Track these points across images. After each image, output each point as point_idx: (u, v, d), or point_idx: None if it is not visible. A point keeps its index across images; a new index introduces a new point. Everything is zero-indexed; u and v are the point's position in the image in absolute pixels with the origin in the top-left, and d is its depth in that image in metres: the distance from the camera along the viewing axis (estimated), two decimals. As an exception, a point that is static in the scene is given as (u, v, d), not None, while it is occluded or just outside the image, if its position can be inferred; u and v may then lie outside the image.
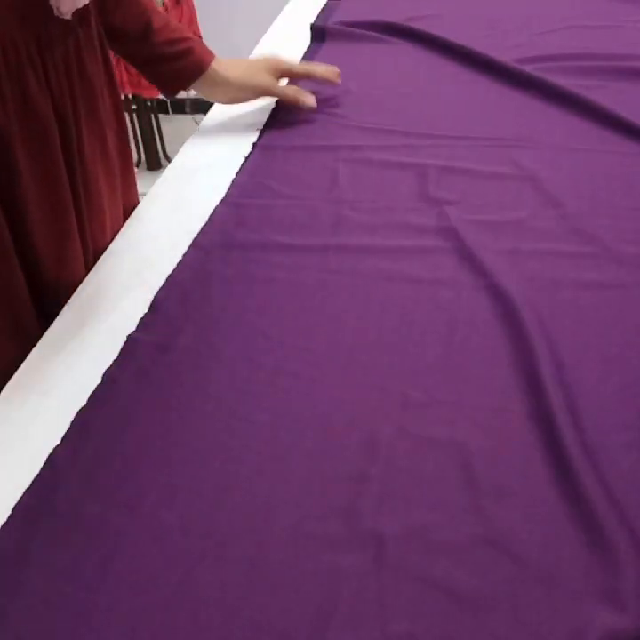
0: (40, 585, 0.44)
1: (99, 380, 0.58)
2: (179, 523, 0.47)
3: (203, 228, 0.74)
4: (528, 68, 1.01)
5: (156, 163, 2.49)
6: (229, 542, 0.46)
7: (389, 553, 0.44)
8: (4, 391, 0.59)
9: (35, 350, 0.63)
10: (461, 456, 0.50)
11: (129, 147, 0.85)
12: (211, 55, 0.88)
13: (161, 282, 0.68)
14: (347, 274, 0.67)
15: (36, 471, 0.51)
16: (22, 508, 0.48)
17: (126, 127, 0.83)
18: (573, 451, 0.48)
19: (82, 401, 0.56)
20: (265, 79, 0.92)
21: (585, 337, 0.59)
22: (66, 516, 0.48)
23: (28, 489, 0.49)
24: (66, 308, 0.68)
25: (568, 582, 0.42)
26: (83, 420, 0.54)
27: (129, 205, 0.84)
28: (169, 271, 0.69)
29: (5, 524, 0.47)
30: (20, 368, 0.61)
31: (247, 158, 0.86)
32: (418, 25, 1.17)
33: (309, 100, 0.91)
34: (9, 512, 0.48)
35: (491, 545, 0.44)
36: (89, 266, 0.73)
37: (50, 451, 0.52)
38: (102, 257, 0.74)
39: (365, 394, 0.55)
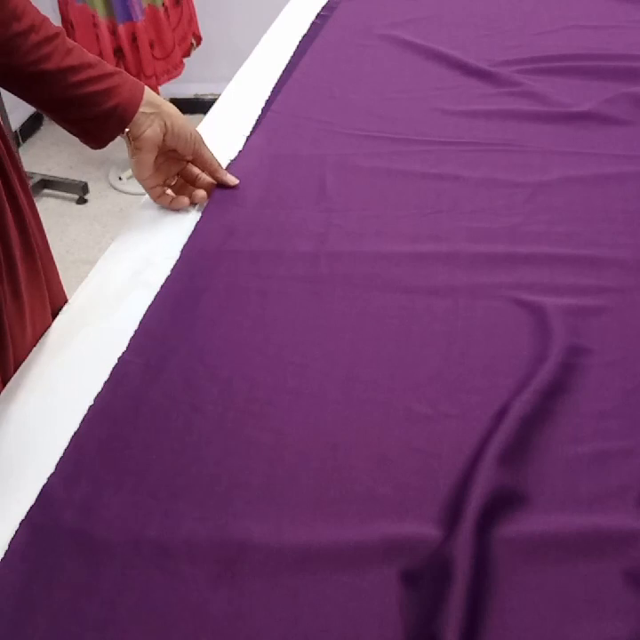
0: (44, 627, 0.42)
1: (98, 381, 0.58)
2: (185, 550, 0.46)
3: (190, 240, 0.73)
4: (528, 68, 1.01)
5: (155, 163, 2.48)
6: (238, 569, 0.45)
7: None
8: (4, 391, 0.59)
9: (35, 350, 0.63)
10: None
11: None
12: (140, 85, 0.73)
13: (160, 281, 0.68)
14: (339, 284, 0.66)
15: (37, 470, 0.51)
16: (20, 545, 0.47)
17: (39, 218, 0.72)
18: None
19: (82, 402, 0.56)
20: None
21: (585, 342, 0.59)
22: (66, 550, 0.46)
23: (23, 521, 0.48)
24: (65, 308, 0.68)
25: None
26: (76, 445, 0.53)
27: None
28: (167, 272, 0.69)
29: (3, 560, 0.46)
30: (19, 368, 0.61)
31: (233, 163, 0.84)
32: (417, 25, 1.17)
33: (232, 180, 0.80)
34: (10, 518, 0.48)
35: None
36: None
37: (50, 450, 0.52)
38: (102, 257, 0.74)
39: (369, 409, 0.55)
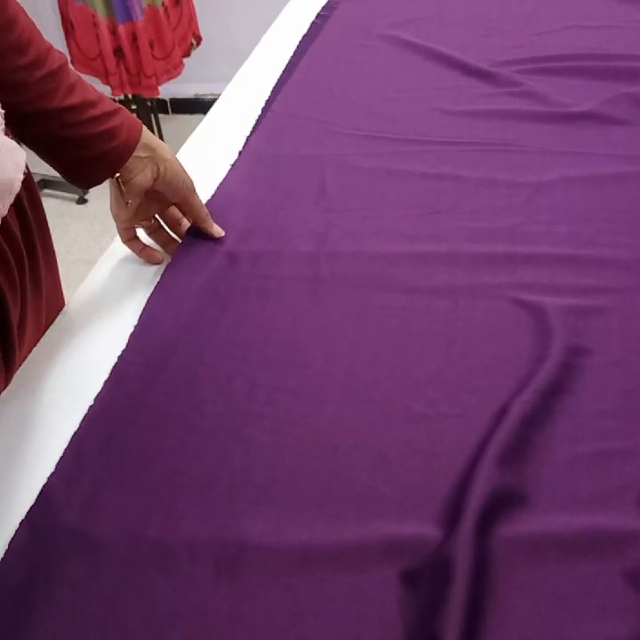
0: (44, 627, 0.43)
1: (98, 381, 0.58)
2: (185, 550, 0.46)
3: (189, 240, 0.73)
4: (528, 68, 1.01)
5: (156, 163, 2.48)
6: (238, 569, 0.45)
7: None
8: (4, 391, 0.59)
9: (35, 350, 0.63)
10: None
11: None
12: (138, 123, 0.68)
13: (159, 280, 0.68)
14: (339, 284, 0.66)
15: (37, 470, 0.51)
16: (20, 545, 0.47)
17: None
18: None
19: (82, 402, 0.56)
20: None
21: (585, 342, 0.59)
22: (66, 550, 0.46)
23: (23, 521, 0.48)
24: (66, 307, 0.68)
25: None
26: (76, 445, 0.53)
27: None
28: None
29: (3, 560, 0.46)
30: (20, 368, 0.61)
31: (233, 166, 0.85)
32: (418, 25, 1.17)
33: (218, 230, 0.73)
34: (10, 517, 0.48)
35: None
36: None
37: (50, 450, 0.52)
38: (102, 257, 0.74)
39: (368, 409, 0.55)
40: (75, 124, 0.62)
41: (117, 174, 0.66)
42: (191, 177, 0.70)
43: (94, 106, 0.63)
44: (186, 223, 0.74)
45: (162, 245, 0.74)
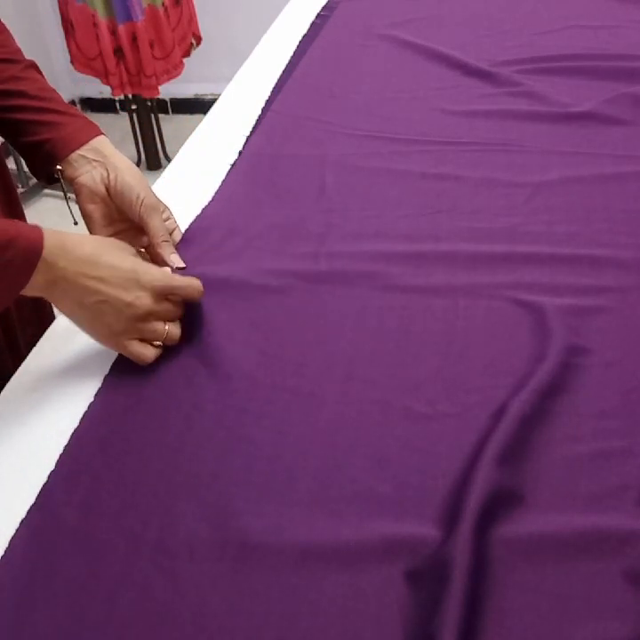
0: (44, 626, 0.42)
1: (98, 380, 0.58)
2: (185, 549, 0.46)
3: (188, 239, 0.72)
4: (528, 68, 1.01)
5: (155, 163, 2.49)
6: (238, 568, 0.45)
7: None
8: (4, 391, 0.59)
9: (35, 349, 0.63)
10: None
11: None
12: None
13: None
14: (339, 283, 0.66)
15: (37, 470, 0.51)
16: (20, 545, 0.47)
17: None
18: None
19: (82, 401, 0.56)
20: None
21: (584, 342, 0.59)
22: (66, 550, 0.46)
23: (23, 521, 0.48)
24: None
25: None
26: (77, 444, 0.53)
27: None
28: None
29: (3, 560, 0.46)
30: (20, 367, 0.61)
31: (233, 166, 0.85)
32: (418, 25, 1.17)
33: (175, 260, 0.67)
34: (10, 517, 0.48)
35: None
36: None
37: (50, 450, 0.52)
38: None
39: (367, 408, 0.55)
40: (11, 108, 0.65)
41: (59, 168, 0.65)
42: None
43: (42, 100, 0.66)
44: (175, 261, 0.67)
45: None
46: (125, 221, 0.68)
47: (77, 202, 0.67)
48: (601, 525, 0.46)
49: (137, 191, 0.65)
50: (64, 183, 0.67)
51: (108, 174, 0.65)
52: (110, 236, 0.66)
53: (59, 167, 0.65)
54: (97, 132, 0.68)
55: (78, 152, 0.65)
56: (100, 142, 0.67)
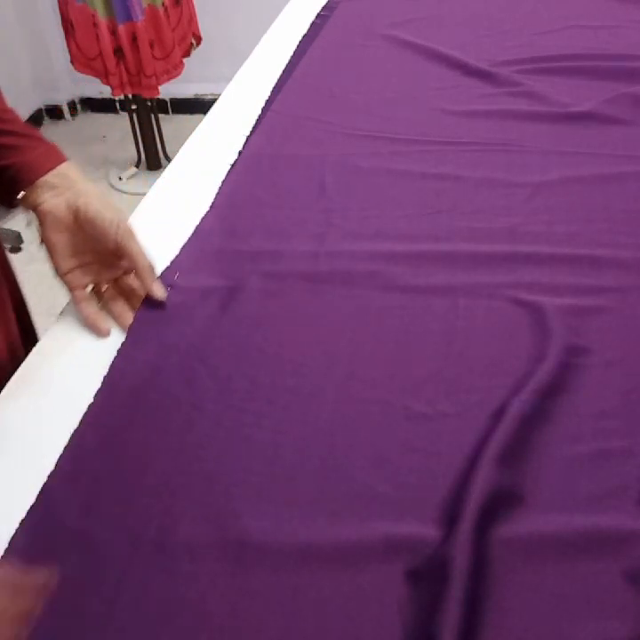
0: (44, 626, 0.42)
1: (98, 380, 0.58)
2: (185, 549, 0.46)
3: (189, 240, 0.73)
4: (528, 68, 1.01)
5: (155, 163, 2.49)
6: (238, 568, 0.45)
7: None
8: (4, 391, 0.59)
9: (35, 349, 0.63)
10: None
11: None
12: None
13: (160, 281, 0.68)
14: (339, 284, 0.66)
15: (37, 470, 0.51)
16: (20, 545, 0.46)
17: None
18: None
19: (82, 401, 0.56)
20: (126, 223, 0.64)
21: (584, 342, 0.59)
22: (66, 550, 0.46)
23: (23, 521, 0.48)
24: (66, 306, 0.68)
25: None
26: (77, 444, 0.53)
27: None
28: (168, 265, 0.69)
29: (3, 560, 0.46)
30: (20, 367, 0.61)
31: (233, 166, 0.85)
32: (418, 25, 1.17)
33: (158, 290, 0.64)
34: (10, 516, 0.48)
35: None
36: None
37: (50, 450, 0.52)
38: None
39: (367, 408, 0.55)
40: None
41: (22, 194, 0.61)
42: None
43: (3, 121, 0.62)
44: (141, 292, 0.64)
45: (115, 317, 0.64)
46: (91, 253, 0.63)
47: (40, 230, 0.62)
48: (601, 525, 0.46)
49: (110, 216, 0.62)
50: (25, 210, 0.63)
51: (77, 201, 0.62)
52: (74, 268, 0.63)
53: (22, 193, 0.61)
54: (63, 157, 0.64)
55: (43, 178, 0.61)
56: (67, 168, 0.63)
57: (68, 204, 0.61)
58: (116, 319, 0.64)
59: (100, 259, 0.64)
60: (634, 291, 0.64)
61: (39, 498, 0.49)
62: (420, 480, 0.49)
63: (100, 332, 0.62)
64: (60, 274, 0.63)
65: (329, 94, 0.98)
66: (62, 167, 0.62)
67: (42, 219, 0.62)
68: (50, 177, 0.61)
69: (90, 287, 0.65)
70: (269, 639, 0.41)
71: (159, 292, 0.63)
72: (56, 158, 0.63)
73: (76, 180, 0.62)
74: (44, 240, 0.62)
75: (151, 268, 0.64)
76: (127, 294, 0.65)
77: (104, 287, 0.66)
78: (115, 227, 0.61)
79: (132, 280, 0.66)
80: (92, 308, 0.64)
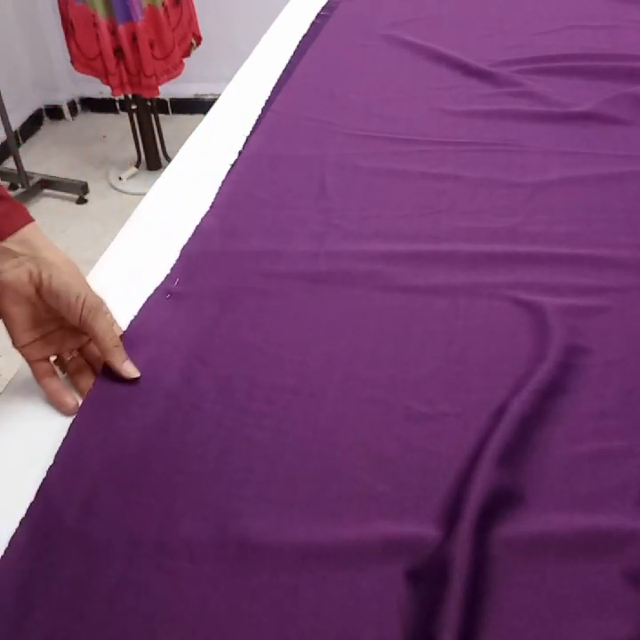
0: (44, 626, 0.42)
1: (98, 380, 0.58)
2: (185, 549, 0.46)
3: (189, 240, 0.73)
4: (528, 68, 1.01)
5: (155, 163, 2.49)
6: (238, 568, 0.45)
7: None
8: (4, 391, 0.59)
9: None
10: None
11: None
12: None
13: (160, 281, 0.68)
14: (339, 284, 0.66)
15: (37, 469, 0.51)
16: (20, 544, 0.47)
17: None
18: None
19: (81, 399, 0.56)
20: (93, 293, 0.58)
21: (585, 342, 0.59)
22: (66, 550, 0.46)
23: (23, 521, 0.48)
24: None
25: None
26: (77, 444, 0.53)
27: None
28: (167, 272, 0.69)
29: (3, 559, 0.46)
30: (19, 367, 0.61)
31: (233, 166, 0.85)
32: (418, 25, 1.17)
33: (129, 369, 0.58)
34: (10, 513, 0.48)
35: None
36: None
37: (50, 449, 0.52)
38: (102, 256, 0.74)
39: (367, 408, 0.55)
40: None
41: None
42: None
43: None
44: (130, 370, 0.58)
45: (80, 391, 0.58)
46: (54, 322, 0.58)
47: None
48: (601, 525, 0.46)
49: (76, 291, 0.56)
50: None
51: (41, 272, 0.55)
52: (36, 340, 0.57)
53: None
54: (27, 218, 0.57)
55: (3, 244, 0.55)
56: (30, 232, 0.57)
57: (29, 275, 0.55)
58: (82, 394, 0.58)
59: (63, 325, 0.58)
60: (634, 291, 0.64)
61: (39, 497, 0.49)
62: (419, 480, 0.49)
63: (67, 409, 0.56)
64: (19, 346, 0.57)
65: (329, 94, 0.98)
66: (25, 231, 0.56)
67: (0, 290, 0.55)
68: (10, 243, 0.55)
69: (53, 358, 0.59)
70: (269, 639, 0.41)
71: (131, 372, 0.57)
72: (18, 219, 0.56)
73: (40, 248, 0.56)
74: (2, 313, 0.56)
75: (119, 349, 0.58)
76: (94, 363, 0.60)
77: (68, 357, 0.60)
78: (80, 303, 0.56)
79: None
80: (55, 384, 0.57)
